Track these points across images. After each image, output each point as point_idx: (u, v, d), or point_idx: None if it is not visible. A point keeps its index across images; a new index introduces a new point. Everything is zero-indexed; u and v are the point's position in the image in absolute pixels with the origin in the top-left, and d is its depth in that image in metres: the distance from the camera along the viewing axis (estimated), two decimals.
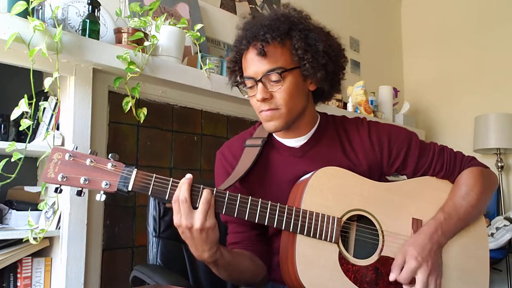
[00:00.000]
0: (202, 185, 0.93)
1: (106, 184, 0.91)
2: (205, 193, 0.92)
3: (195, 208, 0.91)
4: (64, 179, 0.90)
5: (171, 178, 0.93)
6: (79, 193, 0.92)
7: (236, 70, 1.14)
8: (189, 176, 0.93)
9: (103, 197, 0.92)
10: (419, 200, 1.10)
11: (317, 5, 2.85)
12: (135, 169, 0.92)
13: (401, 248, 1.04)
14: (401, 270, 1.01)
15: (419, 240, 1.03)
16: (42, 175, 0.91)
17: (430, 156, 1.15)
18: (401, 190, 1.11)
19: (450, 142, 1.25)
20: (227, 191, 0.96)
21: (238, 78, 1.15)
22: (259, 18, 1.10)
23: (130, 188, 0.91)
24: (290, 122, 1.10)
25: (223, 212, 0.95)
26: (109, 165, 0.92)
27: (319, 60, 1.06)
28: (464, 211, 1.09)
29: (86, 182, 0.90)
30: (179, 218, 0.91)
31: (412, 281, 1.01)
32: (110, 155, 0.93)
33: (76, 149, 0.93)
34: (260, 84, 1.05)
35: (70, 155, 0.91)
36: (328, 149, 1.15)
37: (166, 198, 0.92)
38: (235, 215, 0.96)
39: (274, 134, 1.20)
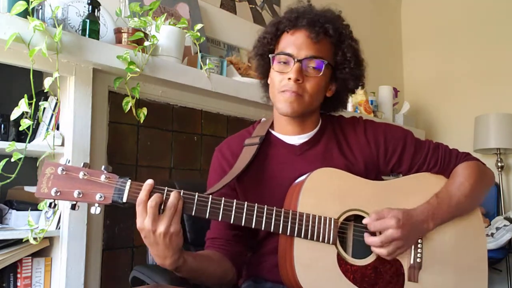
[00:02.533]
0: (167, 188, 0.91)
1: (101, 197, 0.89)
2: (172, 197, 0.90)
3: (160, 212, 0.90)
4: (58, 194, 0.88)
5: (166, 188, 0.92)
6: (73, 207, 0.91)
7: (269, 43, 1.15)
8: (150, 181, 0.91)
9: (98, 210, 0.90)
10: (416, 197, 1.10)
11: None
12: (129, 180, 0.91)
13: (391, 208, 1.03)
14: (377, 220, 1.00)
15: (409, 211, 1.04)
16: (36, 190, 0.90)
17: (425, 152, 1.16)
18: (397, 188, 1.11)
19: (450, 142, 1.25)
20: (223, 198, 0.95)
21: (267, 50, 1.15)
22: (317, 9, 1.15)
23: (125, 200, 0.90)
24: (304, 113, 1.13)
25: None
26: (102, 177, 0.90)
27: (357, 70, 1.15)
28: (457, 200, 1.09)
29: (80, 196, 0.89)
30: (142, 221, 0.89)
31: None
32: (103, 167, 0.92)
33: (69, 162, 0.92)
34: (298, 64, 1.07)
35: (62, 169, 0.89)
36: (325, 149, 1.16)
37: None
38: (232, 222, 0.95)
39: (274, 131, 1.21)
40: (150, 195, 0.89)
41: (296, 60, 1.07)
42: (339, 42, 1.12)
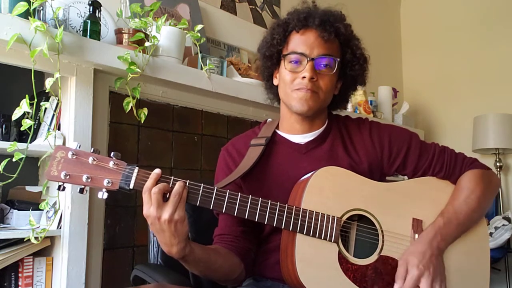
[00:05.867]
0: (173, 177, 0.93)
1: (108, 182, 0.91)
2: (177, 185, 0.92)
3: (166, 200, 0.92)
4: (67, 177, 0.90)
5: (172, 177, 0.94)
6: (81, 191, 0.93)
7: (278, 43, 1.14)
8: (157, 171, 0.93)
9: (105, 195, 0.92)
10: (420, 200, 1.11)
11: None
12: (137, 167, 0.93)
13: (402, 257, 1.03)
14: (405, 280, 1.00)
15: (419, 247, 1.03)
16: (45, 173, 0.92)
17: (430, 156, 1.16)
18: (401, 190, 1.11)
19: (449, 142, 1.25)
20: (228, 190, 0.97)
21: (275, 51, 1.15)
22: (322, 9, 1.16)
23: (131, 186, 0.92)
24: (317, 111, 1.15)
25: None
26: (111, 164, 0.92)
27: (365, 66, 1.18)
28: (464, 215, 1.08)
29: (89, 180, 0.91)
30: (148, 208, 0.91)
31: None
32: (112, 153, 0.94)
33: (79, 147, 0.93)
34: (311, 63, 1.09)
35: (73, 153, 0.91)
36: (331, 148, 1.17)
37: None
38: (235, 214, 0.96)
39: (279, 131, 1.21)
40: (156, 183, 0.91)
41: (309, 59, 1.09)
42: (347, 41, 1.14)
